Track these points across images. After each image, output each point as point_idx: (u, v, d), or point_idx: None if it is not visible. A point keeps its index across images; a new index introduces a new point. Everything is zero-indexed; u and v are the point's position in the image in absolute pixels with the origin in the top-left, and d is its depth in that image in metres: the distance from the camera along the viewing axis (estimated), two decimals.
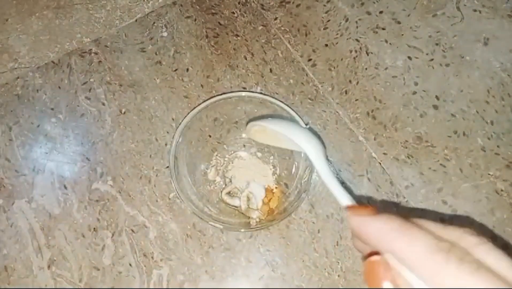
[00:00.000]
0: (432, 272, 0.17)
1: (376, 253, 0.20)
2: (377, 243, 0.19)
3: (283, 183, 0.41)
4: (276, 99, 0.39)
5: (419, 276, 0.18)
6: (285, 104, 0.39)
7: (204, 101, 0.39)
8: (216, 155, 0.43)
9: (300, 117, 0.38)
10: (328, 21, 0.49)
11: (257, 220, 0.39)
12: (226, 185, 0.41)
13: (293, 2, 0.50)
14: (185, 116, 0.38)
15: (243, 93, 0.40)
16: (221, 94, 0.39)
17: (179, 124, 0.38)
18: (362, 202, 0.22)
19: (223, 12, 0.49)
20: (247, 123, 0.35)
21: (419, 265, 0.17)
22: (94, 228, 0.41)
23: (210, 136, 0.42)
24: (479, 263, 0.17)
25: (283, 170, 0.41)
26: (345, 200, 0.24)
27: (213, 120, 0.42)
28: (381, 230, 0.19)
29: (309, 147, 0.29)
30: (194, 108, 0.39)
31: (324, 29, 0.48)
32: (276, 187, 0.41)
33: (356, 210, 0.21)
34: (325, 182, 0.26)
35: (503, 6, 0.49)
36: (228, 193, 0.41)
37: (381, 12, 0.49)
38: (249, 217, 0.39)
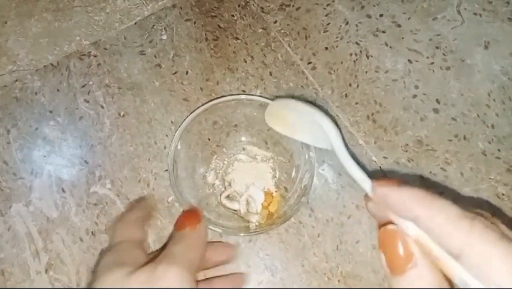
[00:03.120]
0: (457, 238, 0.17)
1: (391, 222, 0.21)
2: (402, 211, 0.20)
3: (283, 187, 0.41)
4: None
5: (443, 243, 0.18)
6: None
7: (203, 104, 0.39)
8: (216, 159, 0.42)
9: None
10: (328, 24, 0.49)
11: (257, 224, 0.38)
12: (225, 188, 0.41)
13: (293, 5, 0.50)
14: (184, 119, 0.38)
15: (242, 96, 0.40)
16: (220, 97, 0.39)
17: (178, 127, 0.38)
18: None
19: (222, 15, 0.49)
20: (269, 104, 0.34)
21: (444, 231, 0.18)
22: (92, 232, 0.40)
23: (209, 139, 0.42)
24: (503, 232, 0.17)
25: (283, 174, 0.41)
26: (367, 184, 0.24)
27: (212, 123, 0.41)
28: (406, 199, 0.20)
29: (332, 128, 0.29)
30: (193, 111, 0.38)
31: (324, 32, 0.48)
32: (275, 191, 0.41)
33: (381, 181, 0.22)
34: (343, 163, 0.26)
35: (504, 10, 0.49)
36: (227, 197, 0.41)
37: (381, 15, 0.49)
38: (248, 221, 0.39)
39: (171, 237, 0.30)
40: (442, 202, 0.18)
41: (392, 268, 0.20)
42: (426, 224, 0.18)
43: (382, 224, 0.21)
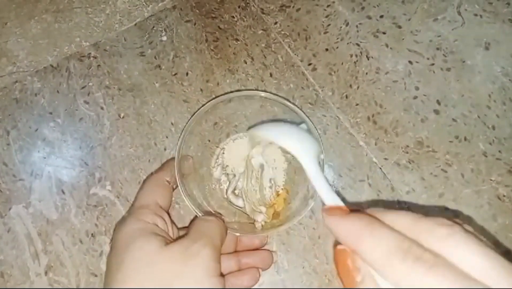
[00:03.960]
0: (390, 271, 0.17)
1: None
2: (346, 243, 0.20)
3: (291, 186, 0.40)
4: (285, 99, 0.38)
5: (381, 275, 0.18)
6: (290, 102, 0.38)
7: (229, 93, 0.38)
8: (222, 153, 0.42)
9: (305, 114, 0.37)
10: (329, 25, 0.49)
11: (263, 223, 0.38)
12: (229, 182, 0.40)
13: (293, 7, 0.49)
14: (199, 109, 0.37)
15: (262, 93, 0.39)
16: (243, 90, 0.39)
17: (194, 113, 0.37)
18: (353, 207, 0.23)
19: (223, 16, 0.49)
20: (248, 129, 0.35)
21: (379, 264, 0.18)
22: (92, 234, 0.40)
23: (220, 128, 0.42)
24: (436, 260, 0.17)
25: (295, 175, 0.41)
26: (329, 200, 0.24)
27: (215, 123, 0.41)
28: (348, 230, 0.20)
29: (295, 148, 0.30)
30: (211, 100, 0.38)
31: (324, 33, 0.48)
32: (282, 190, 0.40)
33: (330, 211, 0.22)
34: (312, 182, 0.27)
35: (504, 11, 0.48)
36: (233, 193, 0.40)
37: (381, 16, 0.49)
38: (254, 221, 0.39)
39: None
40: (382, 234, 0.18)
41: (343, 284, 0.20)
42: (363, 257, 0.19)
43: (336, 243, 0.21)
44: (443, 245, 0.17)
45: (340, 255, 0.21)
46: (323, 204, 0.25)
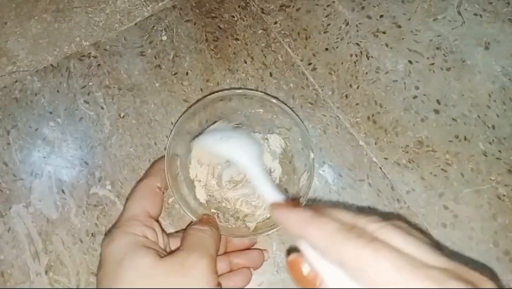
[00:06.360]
0: (335, 249, 0.20)
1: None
2: (293, 231, 0.23)
3: (283, 188, 0.41)
4: (280, 101, 0.38)
5: (327, 256, 0.20)
6: (287, 105, 0.38)
7: (222, 90, 0.38)
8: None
9: (300, 119, 0.38)
10: (329, 25, 0.49)
11: (255, 224, 0.38)
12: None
13: (293, 6, 0.49)
14: (192, 105, 0.38)
15: (258, 93, 0.39)
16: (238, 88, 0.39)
17: (183, 113, 0.37)
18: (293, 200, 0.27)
19: (223, 16, 0.49)
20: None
21: (325, 245, 0.20)
22: (92, 233, 0.40)
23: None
24: (375, 237, 0.19)
25: (284, 175, 0.41)
26: (272, 197, 0.27)
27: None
28: (295, 220, 0.23)
29: (229, 154, 0.33)
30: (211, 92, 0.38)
31: (324, 33, 0.48)
32: None
33: (277, 205, 0.26)
34: (255, 184, 0.30)
35: (504, 10, 0.48)
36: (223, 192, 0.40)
37: (381, 16, 0.49)
38: (245, 222, 0.39)
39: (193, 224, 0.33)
40: (324, 220, 0.21)
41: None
42: (311, 240, 0.21)
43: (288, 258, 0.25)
44: (376, 235, 0.20)
45: (294, 265, 0.23)
46: (266, 201, 0.28)
